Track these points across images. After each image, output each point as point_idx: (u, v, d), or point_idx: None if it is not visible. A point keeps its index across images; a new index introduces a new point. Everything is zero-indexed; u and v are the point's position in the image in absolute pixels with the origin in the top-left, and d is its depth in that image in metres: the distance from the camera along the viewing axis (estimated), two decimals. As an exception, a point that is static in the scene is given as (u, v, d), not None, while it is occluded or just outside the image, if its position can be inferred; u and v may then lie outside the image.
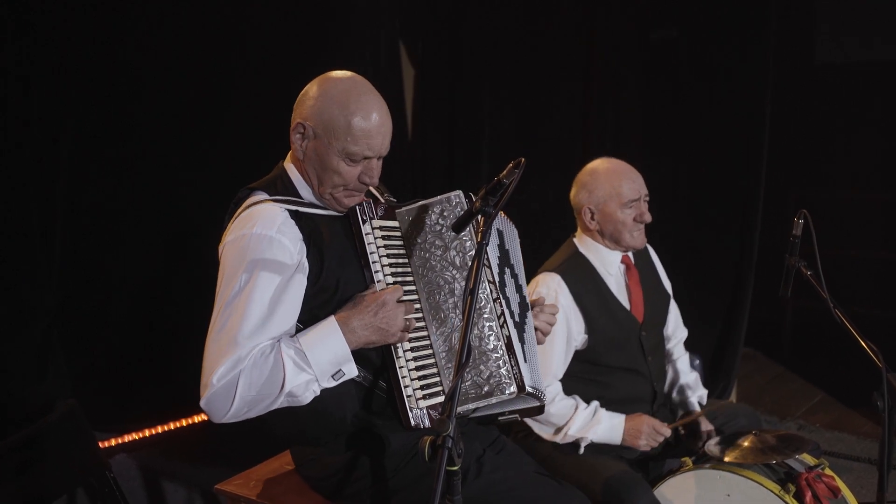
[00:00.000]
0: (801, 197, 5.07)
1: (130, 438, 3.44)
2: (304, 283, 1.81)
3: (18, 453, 2.07)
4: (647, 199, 2.60)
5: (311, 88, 1.88)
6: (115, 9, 3.23)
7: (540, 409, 1.94)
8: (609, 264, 2.62)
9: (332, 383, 1.79)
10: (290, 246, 1.78)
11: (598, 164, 2.64)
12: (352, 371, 1.80)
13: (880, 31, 4.71)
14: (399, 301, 1.81)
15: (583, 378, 2.57)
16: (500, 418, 2.01)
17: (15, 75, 2.96)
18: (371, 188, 2.04)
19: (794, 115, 4.89)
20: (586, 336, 2.54)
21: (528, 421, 2.52)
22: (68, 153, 3.18)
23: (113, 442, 3.39)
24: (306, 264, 1.81)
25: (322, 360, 1.75)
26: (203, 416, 3.64)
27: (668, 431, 2.50)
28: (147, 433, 3.49)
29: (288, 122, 1.94)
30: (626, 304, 2.61)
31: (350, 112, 1.81)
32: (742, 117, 4.02)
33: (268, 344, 1.73)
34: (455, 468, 1.37)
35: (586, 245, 2.64)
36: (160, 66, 3.37)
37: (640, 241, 2.60)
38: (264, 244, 1.76)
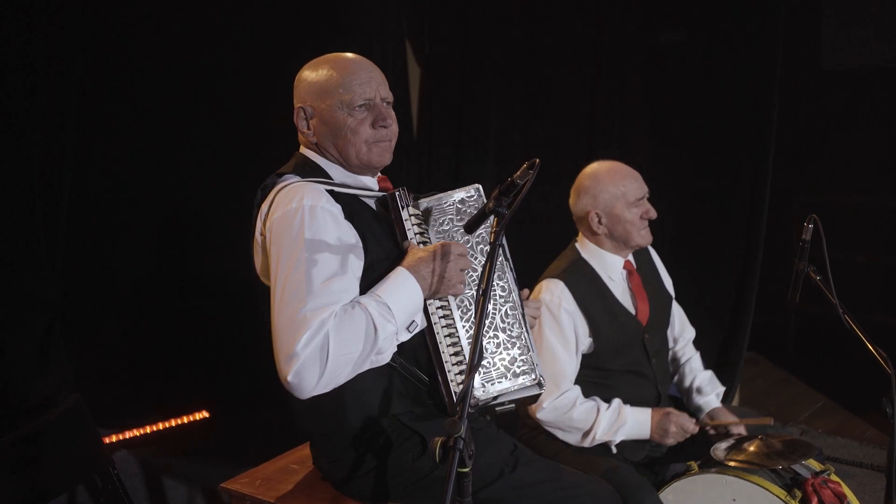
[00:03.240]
0: (806, 201, 5.06)
1: (131, 435, 3.43)
2: (363, 259, 1.80)
3: (22, 448, 2.05)
4: (649, 195, 2.61)
5: (297, 78, 1.95)
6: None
7: (536, 398, 1.93)
8: (611, 269, 2.61)
9: (408, 336, 1.78)
10: (342, 220, 1.78)
11: (597, 167, 2.62)
12: (422, 321, 1.80)
13: (887, 37, 4.70)
14: (458, 255, 1.80)
15: (588, 381, 2.57)
16: (497, 409, 1.99)
17: (19, 69, 2.96)
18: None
19: (800, 119, 4.89)
20: (591, 340, 2.54)
21: (554, 431, 2.51)
22: (72, 147, 3.17)
23: (114, 438, 3.38)
24: (360, 243, 1.81)
25: (402, 310, 1.73)
26: (205, 413, 3.63)
27: (695, 429, 2.49)
28: (148, 429, 3.48)
29: (291, 120, 1.96)
30: (630, 308, 2.60)
31: (327, 67, 1.89)
32: (749, 121, 4.01)
33: (347, 303, 1.70)
34: (466, 469, 1.36)
35: (589, 251, 2.63)
36: (164, 61, 3.37)
37: (648, 238, 2.60)
38: (320, 214, 1.75)
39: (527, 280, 2.18)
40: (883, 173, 4.95)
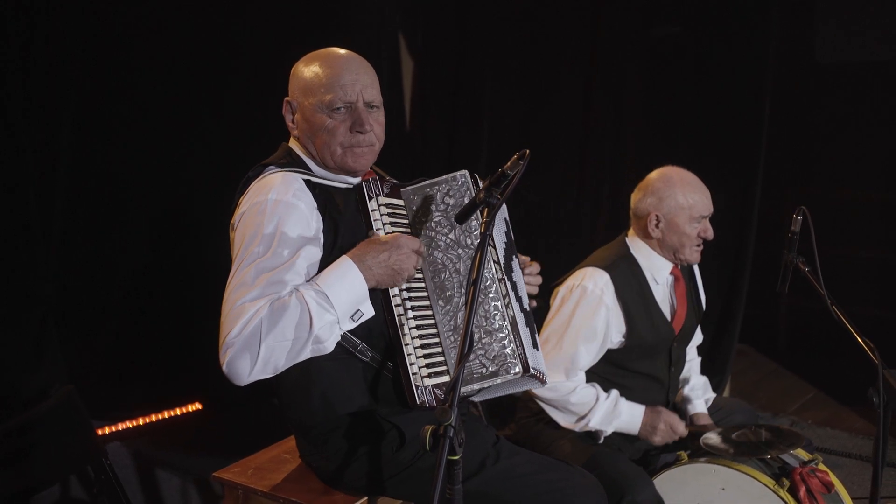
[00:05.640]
0: (798, 195, 5.07)
1: (124, 426, 3.44)
2: (320, 252, 1.80)
3: (16, 438, 2.06)
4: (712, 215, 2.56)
5: (292, 69, 1.94)
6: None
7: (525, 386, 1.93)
8: (658, 272, 2.57)
9: (352, 325, 1.77)
10: (306, 212, 1.78)
11: (672, 172, 2.56)
12: (369, 310, 1.78)
13: (880, 31, 4.71)
14: (413, 250, 1.80)
15: (602, 378, 2.56)
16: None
17: (19, 69, 2.95)
18: (377, 168, 2.05)
19: (792, 113, 4.89)
20: (623, 339, 2.52)
21: (548, 408, 2.52)
22: (67, 142, 3.17)
23: (107, 430, 3.39)
24: (321, 235, 1.81)
25: (342, 300, 1.72)
26: (198, 405, 3.64)
27: (684, 431, 2.51)
28: (141, 421, 3.49)
29: (284, 115, 1.97)
30: (667, 314, 2.58)
31: (317, 64, 1.88)
32: (741, 114, 4.03)
33: (286, 292, 1.70)
34: (456, 457, 1.37)
35: (639, 249, 2.58)
36: (164, 61, 3.37)
37: (697, 257, 2.56)
38: (281, 209, 1.75)
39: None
40: (879, 168, 4.96)
